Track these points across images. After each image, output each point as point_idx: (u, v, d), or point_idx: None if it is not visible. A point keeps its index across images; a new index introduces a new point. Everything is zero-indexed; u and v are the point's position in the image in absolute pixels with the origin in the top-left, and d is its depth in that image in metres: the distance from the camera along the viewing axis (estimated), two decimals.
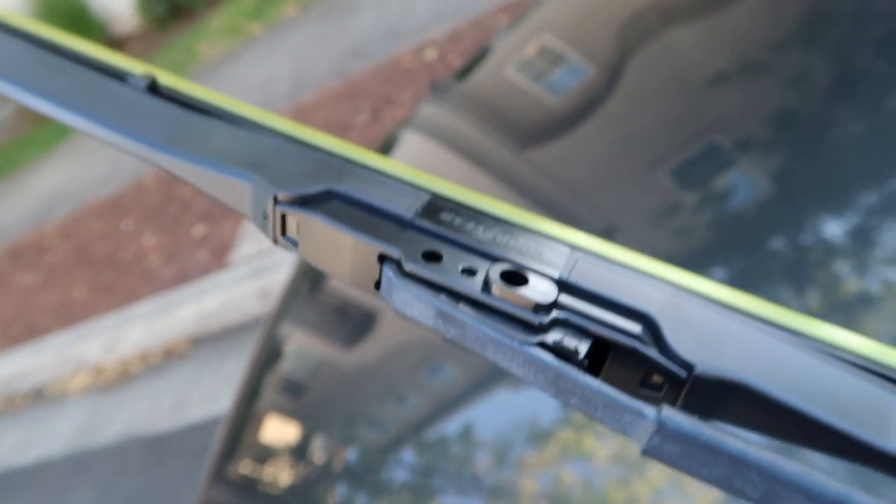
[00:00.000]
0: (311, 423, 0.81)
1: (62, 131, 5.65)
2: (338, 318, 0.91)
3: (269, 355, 0.90)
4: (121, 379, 3.17)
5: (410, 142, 1.03)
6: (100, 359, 3.28)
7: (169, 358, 3.07)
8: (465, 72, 1.13)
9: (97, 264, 3.77)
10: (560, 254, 0.27)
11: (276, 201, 0.28)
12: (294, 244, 0.29)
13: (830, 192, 0.62)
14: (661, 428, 0.21)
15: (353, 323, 0.88)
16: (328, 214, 0.28)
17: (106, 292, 3.53)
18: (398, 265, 0.26)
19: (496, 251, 0.27)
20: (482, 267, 0.26)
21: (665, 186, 0.73)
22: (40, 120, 6.29)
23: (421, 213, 0.28)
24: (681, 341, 0.24)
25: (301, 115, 3.50)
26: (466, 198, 0.29)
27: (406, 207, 0.28)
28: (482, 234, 0.27)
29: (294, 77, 3.89)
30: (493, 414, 0.65)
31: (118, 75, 0.33)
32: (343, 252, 0.28)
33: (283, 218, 0.29)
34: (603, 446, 0.58)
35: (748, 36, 0.83)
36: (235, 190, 0.29)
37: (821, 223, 0.61)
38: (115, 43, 6.34)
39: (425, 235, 0.27)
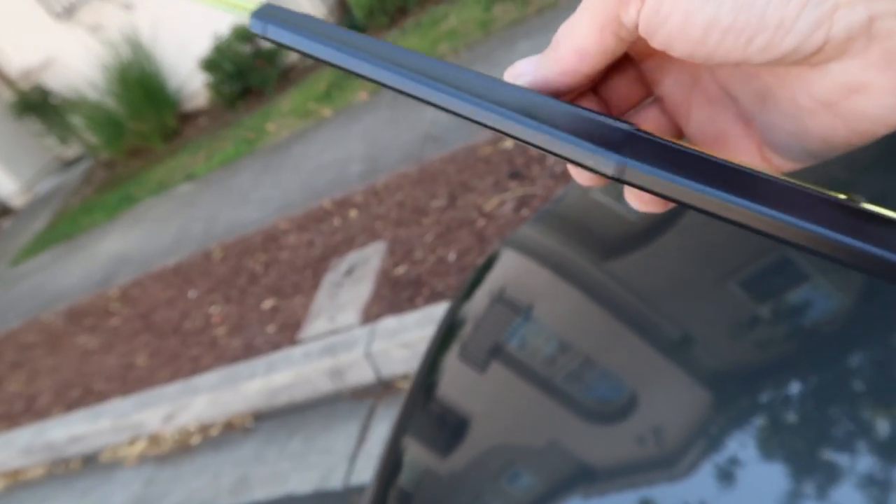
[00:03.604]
0: None
1: (127, 198, 5.85)
2: (441, 426, 0.96)
3: (391, 467, 0.94)
4: (179, 450, 3.13)
5: (510, 257, 1.13)
6: (159, 428, 3.25)
7: (231, 431, 3.03)
8: (560, 198, 1.23)
9: (161, 332, 3.81)
10: None
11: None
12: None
13: None
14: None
15: (451, 430, 0.92)
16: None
17: (169, 360, 3.54)
18: None
19: None
20: None
21: (736, 297, 0.76)
22: (106, 185, 6.52)
23: None
24: None
25: (376, 197, 3.59)
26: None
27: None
28: None
29: (366, 159, 4.01)
30: None
31: None
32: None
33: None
34: None
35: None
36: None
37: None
38: (186, 117, 6.64)
39: None
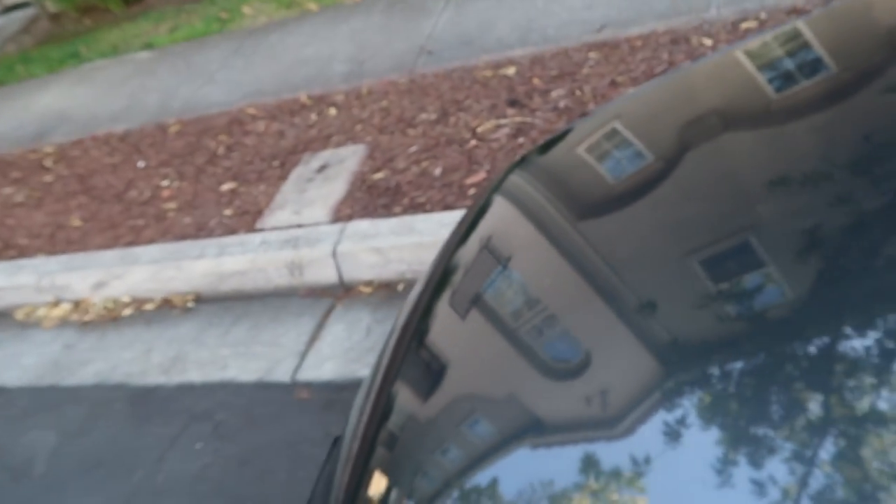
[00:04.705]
0: (393, 475, 0.88)
1: (74, 56, 5.37)
2: (426, 373, 1.01)
3: (380, 410, 0.98)
4: (107, 320, 2.93)
5: (499, 204, 1.20)
6: (87, 294, 3.03)
7: (169, 309, 2.86)
8: (546, 147, 1.29)
9: (101, 197, 3.53)
10: None
11: None
12: None
13: (848, 310, 0.67)
14: None
15: (433, 377, 0.98)
16: None
17: (107, 227, 3.29)
18: None
19: None
20: None
21: (694, 274, 0.82)
22: (50, 38, 5.97)
23: None
24: None
25: (359, 101, 3.40)
26: None
27: None
28: None
29: (352, 61, 3.79)
30: (516, 471, 0.73)
31: None
32: None
33: None
34: None
35: (796, 151, 0.93)
36: None
37: (836, 338, 0.66)
38: None
39: None
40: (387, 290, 2.47)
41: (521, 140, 2.70)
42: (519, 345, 0.92)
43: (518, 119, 2.81)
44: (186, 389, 2.43)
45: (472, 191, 2.57)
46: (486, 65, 3.24)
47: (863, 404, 0.59)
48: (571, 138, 1.28)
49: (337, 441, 1.15)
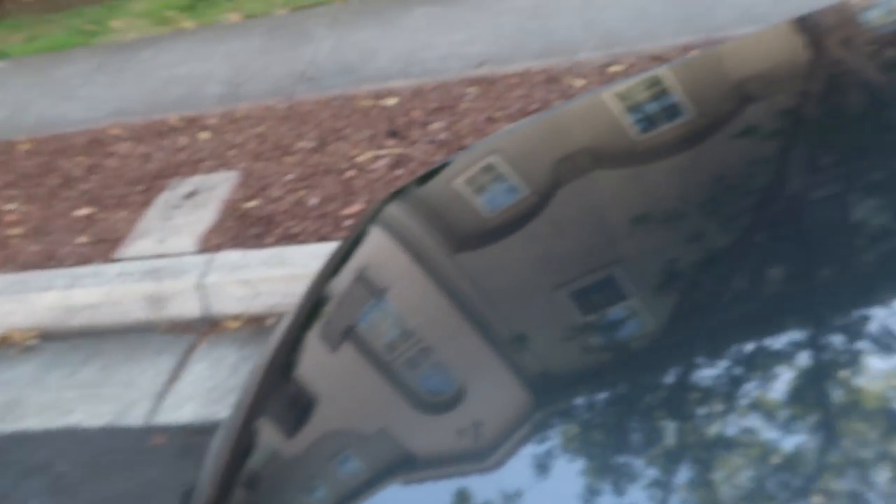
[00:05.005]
0: None
1: None
2: (293, 408, 0.97)
3: (242, 450, 0.94)
4: None
5: (375, 235, 1.20)
6: None
7: (6, 347, 2.56)
8: (423, 179, 1.31)
9: None
10: None
11: None
12: None
13: (702, 341, 0.71)
14: None
15: (301, 413, 0.94)
16: None
17: None
18: None
19: None
20: None
21: (563, 307, 0.85)
22: None
23: None
24: None
25: (234, 125, 3.26)
26: None
27: None
28: None
29: (228, 83, 3.64)
30: None
31: None
32: None
33: None
34: None
35: (656, 189, 0.99)
36: None
37: (691, 368, 0.69)
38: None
39: None
40: (255, 325, 2.34)
41: (399, 171, 2.67)
42: (392, 378, 0.90)
43: (397, 150, 2.79)
44: (21, 439, 2.17)
45: (348, 222, 2.51)
46: (367, 94, 3.21)
47: (716, 430, 0.61)
48: (448, 172, 1.29)
49: (189, 493, 1.05)
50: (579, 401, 0.71)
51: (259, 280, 2.35)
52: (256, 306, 2.36)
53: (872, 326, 0.66)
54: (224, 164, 3.01)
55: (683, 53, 2.82)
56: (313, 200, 2.65)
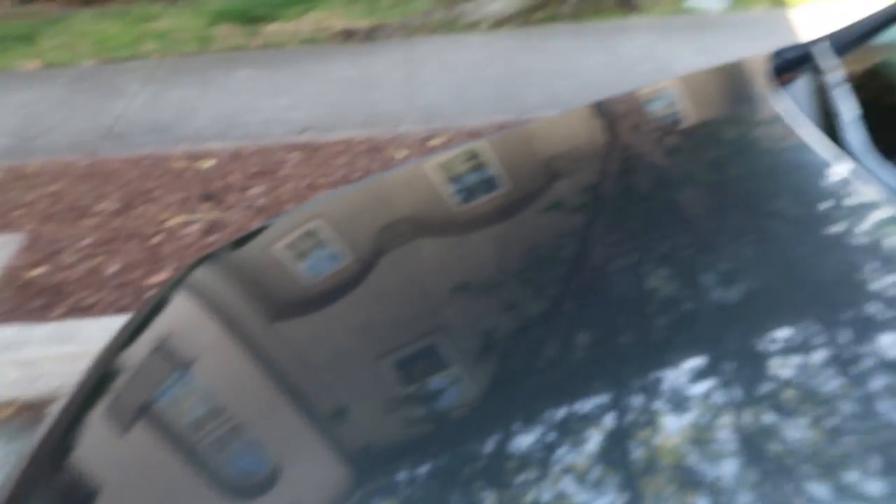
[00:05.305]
0: None
1: None
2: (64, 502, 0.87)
3: None
4: None
5: (180, 302, 1.11)
6: None
7: None
8: (238, 244, 1.28)
9: None
10: None
11: None
12: None
13: (519, 408, 0.73)
14: None
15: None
16: None
17: None
18: None
19: None
20: None
21: (384, 377, 0.84)
22: None
23: None
24: None
25: (22, 181, 2.93)
26: None
27: None
28: None
29: (18, 136, 3.28)
30: None
31: None
32: None
33: None
34: None
35: (474, 257, 1.05)
36: None
37: (509, 435, 0.72)
38: None
39: None
40: (32, 412, 2.05)
41: (213, 238, 2.53)
42: (197, 460, 0.83)
43: (212, 215, 2.65)
44: None
45: (153, 291, 2.31)
46: (182, 155, 3.05)
47: (532, 498, 0.63)
48: (265, 237, 1.24)
49: None
50: (401, 476, 0.69)
51: (41, 359, 2.07)
52: (35, 390, 2.07)
53: (666, 387, 0.70)
54: (7, 226, 2.67)
55: (498, 130, 3.00)
56: (113, 268, 2.42)
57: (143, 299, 2.25)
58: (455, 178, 1.29)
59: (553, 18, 4.18)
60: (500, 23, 4.17)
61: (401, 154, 2.93)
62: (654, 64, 3.56)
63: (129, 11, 4.68)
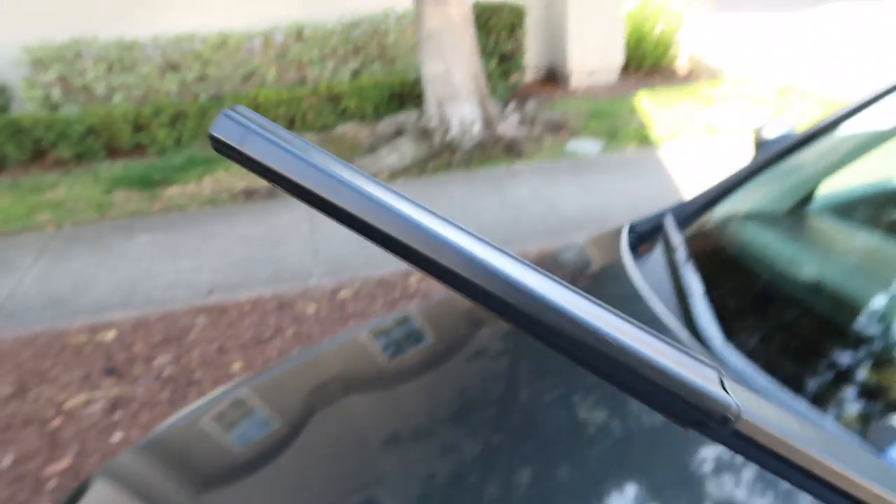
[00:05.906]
0: None
1: None
2: None
3: None
4: None
5: (102, 490, 1.04)
6: None
7: None
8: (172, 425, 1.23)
9: None
10: None
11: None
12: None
13: None
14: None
15: None
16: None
17: None
18: None
19: None
20: None
21: None
22: None
23: None
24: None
25: None
26: None
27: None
28: None
29: None
30: None
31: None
32: None
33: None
34: None
35: (406, 411, 1.07)
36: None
37: None
38: None
39: None
40: None
41: (118, 415, 2.41)
42: None
43: (115, 391, 2.54)
44: None
45: (53, 482, 2.15)
46: (81, 329, 2.94)
47: None
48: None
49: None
50: None
51: None
52: None
53: None
54: None
55: (405, 279, 3.11)
56: (6, 460, 2.24)
57: (42, 493, 2.09)
58: (383, 347, 1.29)
59: (446, 167, 4.49)
60: (397, 174, 4.42)
61: (311, 309, 2.96)
62: (544, 203, 3.87)
63: (20, 182, 4.61)
